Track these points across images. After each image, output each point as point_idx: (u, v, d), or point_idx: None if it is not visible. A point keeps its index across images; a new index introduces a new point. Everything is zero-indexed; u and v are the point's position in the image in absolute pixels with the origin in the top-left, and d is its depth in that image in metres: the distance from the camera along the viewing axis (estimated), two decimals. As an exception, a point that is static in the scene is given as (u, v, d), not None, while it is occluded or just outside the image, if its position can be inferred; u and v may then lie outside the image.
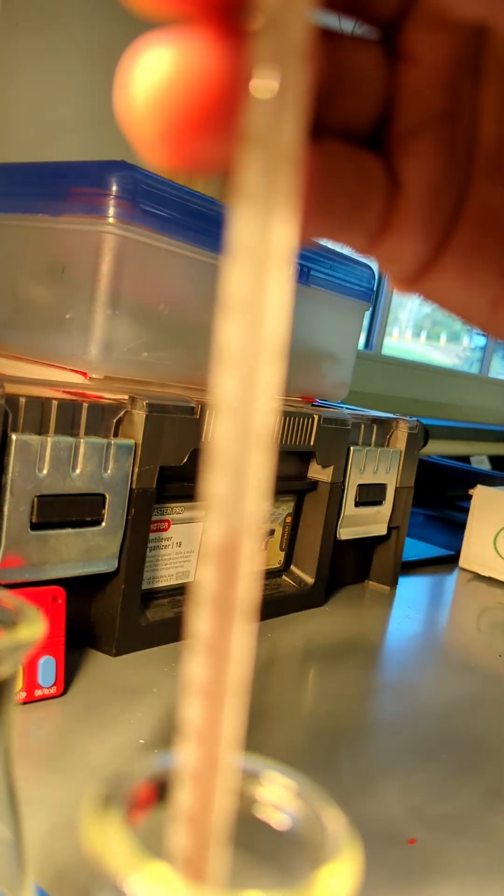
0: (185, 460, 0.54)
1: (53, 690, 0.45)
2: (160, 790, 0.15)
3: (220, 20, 0.13)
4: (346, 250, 0.24)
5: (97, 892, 0.13)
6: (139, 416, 0.51)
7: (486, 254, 0.20)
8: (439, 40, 0.18)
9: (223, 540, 0.12)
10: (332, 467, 0.69)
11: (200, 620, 0.13)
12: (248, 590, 0.13)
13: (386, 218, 0.19)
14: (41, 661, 0.45)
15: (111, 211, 0.53)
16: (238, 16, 0.13)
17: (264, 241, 0.12)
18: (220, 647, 0.13)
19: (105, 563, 0.51)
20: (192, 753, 0.13)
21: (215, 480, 0.12)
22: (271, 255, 0.12)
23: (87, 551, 0.50)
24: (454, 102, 0.19)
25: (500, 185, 0.20)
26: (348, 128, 0.18)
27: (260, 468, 0.12)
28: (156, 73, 0.13)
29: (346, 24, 0.18)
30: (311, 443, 0.66)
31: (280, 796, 0.15)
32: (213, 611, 0.13)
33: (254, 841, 0.15)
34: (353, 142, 0.18)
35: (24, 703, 0.44)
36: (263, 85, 0.12)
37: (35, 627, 0.21)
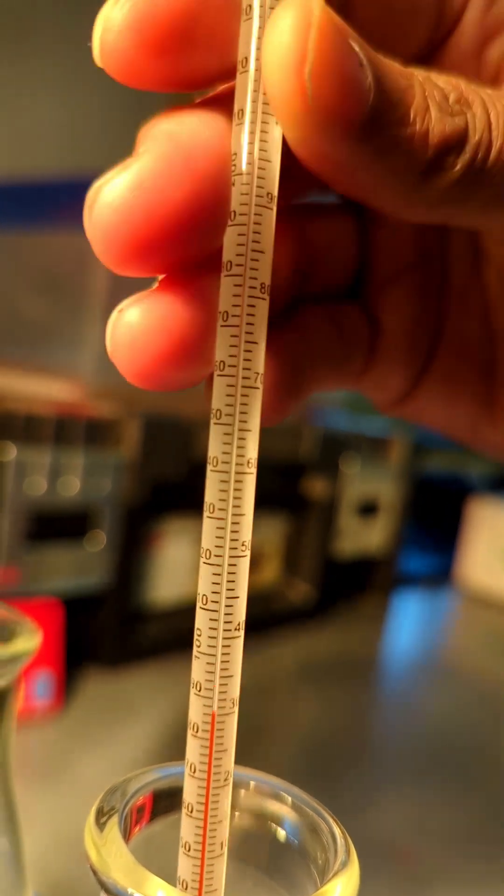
0: (180, 475, 0.54)
1: (51, 705, 0.45)
2: (160, 802, 0.14)
3: (187, 273, 0.14)
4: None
5: None
6: (133, 430, 0.51)
7: (463, 380, 0.22)
8: None
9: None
10: (326, 482, 0.69)
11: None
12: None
13: (368, 359, 0.20)
14: (39, 675, 0.45)
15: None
16: (203, 261, 0.14)
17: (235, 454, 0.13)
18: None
19: (101, 578, 0.51)
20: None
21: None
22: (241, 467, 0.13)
23: (82, 566, 0.50)
24: (424, 254, 0.20)
25: (472, 318, 0.21)
26: (328, 291, 0.19)
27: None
28: (130, 326, 0.14)
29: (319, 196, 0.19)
30: (305, 457, 0.66)
31: (279, 809, 0.15)
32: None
33: (253, 855, 0.15)
34: (331, 298, 0.19)
35: (22, 717, 0.44)
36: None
37: (30, 640, 0.21)
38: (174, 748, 0.44)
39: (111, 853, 0.13)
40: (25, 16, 0.85)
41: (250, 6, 0.12)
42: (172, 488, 0.54)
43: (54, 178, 0.58)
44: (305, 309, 0.19)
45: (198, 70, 0.13)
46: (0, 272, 0.62)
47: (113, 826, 0.13)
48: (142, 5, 0.13)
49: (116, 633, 0.53)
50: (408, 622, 0.79)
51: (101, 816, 0.13)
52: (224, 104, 0.13)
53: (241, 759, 0.15)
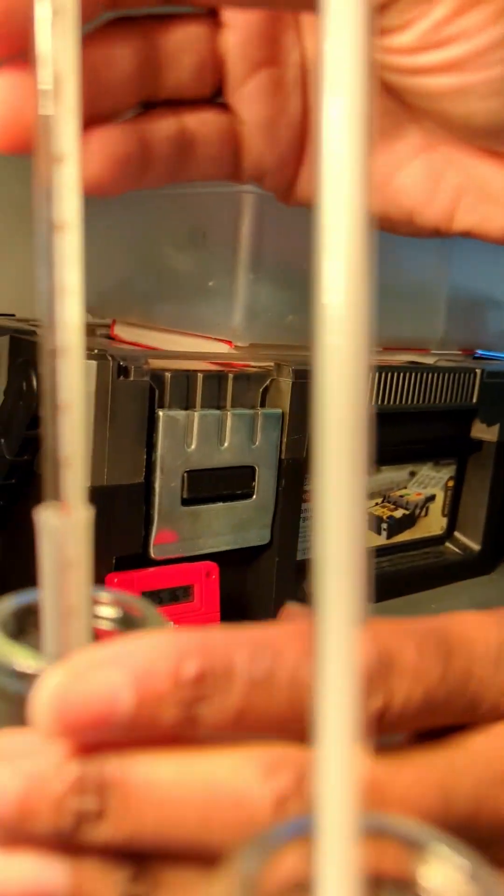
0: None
1: (210, 666, 0.45)
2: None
3: None
4: None
5: None
6: (286, 383, 0.50)
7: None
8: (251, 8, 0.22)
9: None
10: (497, 425, 0.64)
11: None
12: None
13: (238, 153, 0.23)
14: (196, 636, 0.45)
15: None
16: None
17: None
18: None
19: (258, 535, 0.50)
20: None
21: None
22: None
23: (239, 524, 0.49)
24: (276, 51, 0.22)
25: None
26: (184, 94, 0.22)
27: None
28: None
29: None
30: (474, 400, 0.62)
31: (447, 879, 0.12)
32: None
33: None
34: (200, 104, 0.22)
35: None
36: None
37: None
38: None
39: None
40: None
41: None
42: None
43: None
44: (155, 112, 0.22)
45: None
46: (146, 231, 0.61)
47: None
48: None
49: (276, 589, 0.52)
50: None
51: None
52: None
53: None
